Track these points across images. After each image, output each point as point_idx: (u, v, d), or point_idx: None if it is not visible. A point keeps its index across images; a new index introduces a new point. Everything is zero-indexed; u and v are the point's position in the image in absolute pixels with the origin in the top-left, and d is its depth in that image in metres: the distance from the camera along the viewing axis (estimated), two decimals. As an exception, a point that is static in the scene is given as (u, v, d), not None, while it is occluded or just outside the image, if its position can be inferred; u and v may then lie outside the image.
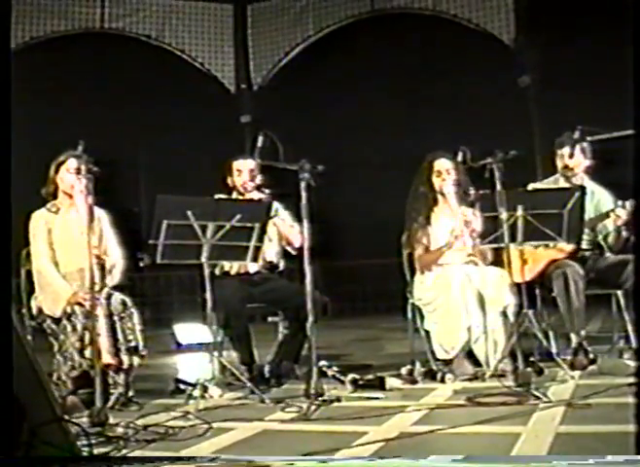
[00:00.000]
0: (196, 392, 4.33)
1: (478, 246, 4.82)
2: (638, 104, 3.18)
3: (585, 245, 5.03)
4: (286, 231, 5.22)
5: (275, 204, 5.08)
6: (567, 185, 5.12)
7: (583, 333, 4.79)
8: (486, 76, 11.22)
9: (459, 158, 4.64)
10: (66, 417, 2.88)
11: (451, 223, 4.89)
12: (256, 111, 12.71)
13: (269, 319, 5.33)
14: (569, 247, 4.94)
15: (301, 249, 4.54)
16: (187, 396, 4.37)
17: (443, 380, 4.58)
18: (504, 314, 4.71)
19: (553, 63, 10.75)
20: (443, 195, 4.98)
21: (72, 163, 4.56)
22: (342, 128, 11.93)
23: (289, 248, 5.26)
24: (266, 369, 5.03)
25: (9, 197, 2.59)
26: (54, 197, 4.71)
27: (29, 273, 4.63)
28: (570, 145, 4.99)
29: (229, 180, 5.27)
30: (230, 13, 13.37)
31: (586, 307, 4.84)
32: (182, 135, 11.87)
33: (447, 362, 4.73)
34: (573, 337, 4.80)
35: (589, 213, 4.89)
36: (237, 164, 5.25)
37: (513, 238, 4.46)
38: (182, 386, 4.68)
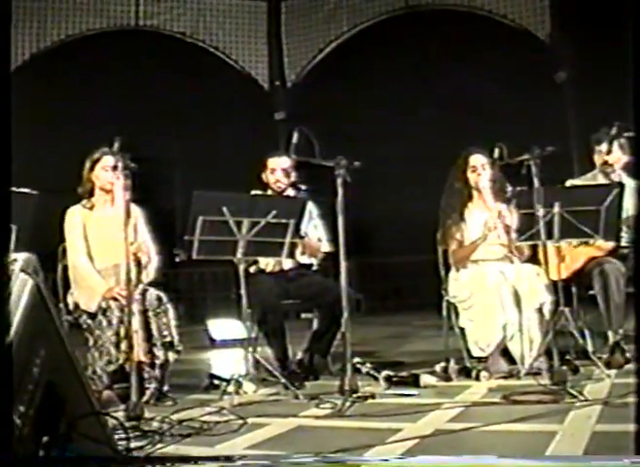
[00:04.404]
0: (231, 388, 4.35)
1: (513, 243, 4.79)
2: (638, 104, 3.14)
3: (624, 242, 4.96)
4: (313, 246, 5.24)
5: (309, 205, 5.08)
6: (605, 181, 5.06)
7: (621, 331, 4.74)
8: (522, 72, 11.13)
9: (495, 154, 4.61)
10: (104, 411, 2.91)
11: (485, 218, 4.87)
12: (290, 108, 12.74)
13: (303, 316, 5.34)
14: (608, 245, 4.86)
15: (335, 246, 4.53)
16: (221, 392, 4.40)
17: (477, 378, 4.56)
18: (540, 312, 4.67)
19: (589, 59, 10.64)
20: (478, 190, 4.97)
21: (108, 161, 4.59)
22: (376, 125, 11.91)
23: (312, 259, 5.28)
24: (296, 362, 5.06)
25: (9, 198, 2.60)
26: (91, 194, 4.75)
27: (65, 269, 4.68)
28: (608, 141, 4.94)
29: (263, 177, 5.28)
30: (263, 9, 13.40)
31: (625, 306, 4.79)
32: (216, 132, 11.91)
33: (482, 359, 4.70)
34: (610, 335, 4.74)
35: (628, 210, 4.83)
36: (272, 162, 5.25)
37: (549, 235, 4.42)
38: (216, 382, 4.70)
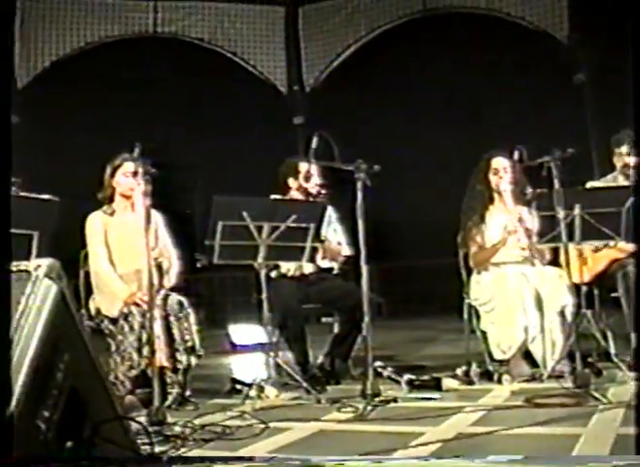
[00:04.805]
0: (253, 392, 4.36)
1: (534, 245, 4.78)
2: (638, 104, 3.12)
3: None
4: (333, 250, 5.24)
5: (329, 209, 5.09)
6: (626, 183, 5.02)
7: (645, 333, 4.71)
8: (541, 74, 11.10)
9: (515, 156, 4.61)
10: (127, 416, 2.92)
11: (506, 220, 4.85)
12: (308, 112, 12.76)
13: (323, 320, 5.34)
14: (631, 247, 4.84)
15: (356, 249, 4.53)
16: (243, 396, 4.40)
17: (499, 381, 4.54)
18: (562, 315, 4.64)
19: (608, 60, 10.59)
20: (499, 193, 4.96)
21: (129, 167, 4.62)
22: (395, 129, 11.90)
23: (333, 263, 5.28)
24: (318, 367, 5.06)
25: (9, 201, 2.62)
26: (111, 200, 4.77)
27: (87, 275, 4.70)
28: (628, 143, 4.92)
29: (290, 181, 5.28)
30: (281, 15, 13.43)
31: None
32: (235, 137, 11.95)
33: (504, 363, 4.68)
34: (633, 337, 4.71)
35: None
36: (297, 166, 5.24)
37: (570, 238, 4.40)
38: (238, 386, 4.71)
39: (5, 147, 2.51)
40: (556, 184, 4.34)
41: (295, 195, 5.25)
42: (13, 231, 3.39)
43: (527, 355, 4.71)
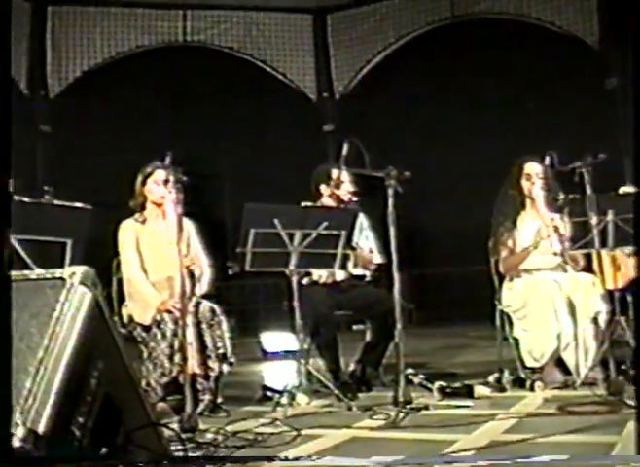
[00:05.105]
0: (284, 399, 4.35)
1: (567, 251, 4.74)
2: (638, 105, 3.08)
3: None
4: (365, 258, 5.24)
5: (360, 216, 5.09)
6: (660, 188, 4.98)
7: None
8: (572, 79, 11.03)
9: (547, 162, 4.58)
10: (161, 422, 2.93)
11: (538, 226, 4.83)
12: (338, 120, 12.76)
13: (354, 327, 5.32)
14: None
15: (387, 257, 4.53)
16: (274, 403, 4.40)
17: (532, 389, 4.51)
18: (595, 321, 4.60)
19: (640, 64, 10.48)
20: (531, 198, 4.93)
21: (160, 175, 4.64)
22: (425, 135, 11.87)
23: (365, 270, 5.27)
24: (349, 374, 5.05)
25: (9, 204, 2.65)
26: (143, 208, 4.80)
27: (120, 282, 4.73)
28: (661, 147, 4.87)
29: (322, 188, 5.28)
30: (309, 22, 13.47)
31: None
32: (265, 145, 12.00)
33: (537, 370, 4.65)
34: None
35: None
36: (328, 173, 5.24)
37: (603, 244, 4.36)
38: (269, 393, 4.71)
39: (4, 147, 2.54)
40: (588, 190, 4.32)
41: (326, 202, 5.25)
42: (46, 238, 3.44)
43: (560, 362, 4.67)
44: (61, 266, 3.22)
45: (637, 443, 2.49)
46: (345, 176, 5.16)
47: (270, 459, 2.96)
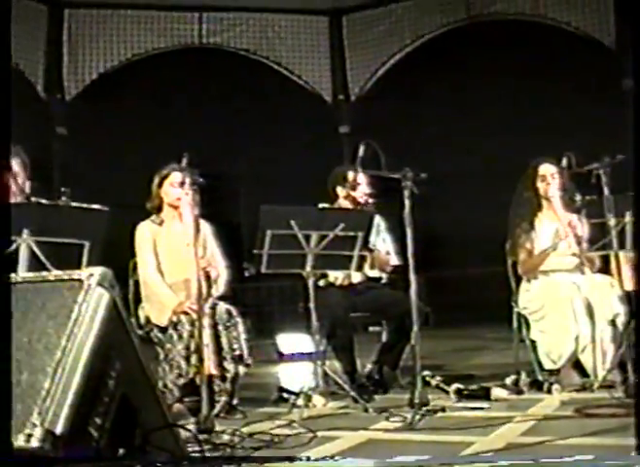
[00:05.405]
0: (300, 401, 4.34)
1: (584, 253, 4.72)
2: (638, 105, 3.06)
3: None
4: (382, 260, 5.23)
5: (377, 218, 5.08)
6: (678, 189, 4.94)
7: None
8: (588, 80, 10.98)
9: (564, 163, 4.56)
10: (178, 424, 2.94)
11: (556, 227, 4.81)
12: (354, 121, 12.76)
13: (370, 329, 5.31)
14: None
15: (404, 259, 4.52)
16: (290, 405, 4.39)
17: (549, 391, 4.48)
18: (613, 324, 4.57)
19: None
20: (547, 200, 4.91)
21: (176, 177, 4.64)
22: (441, 137, 11.85)
23: (381, 272, 5.27)
24: (365, 376, 5.04)
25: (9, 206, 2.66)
26: (159, 210, 4.80)
27: (137, 284, 4.74)
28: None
29: (338, 190, 5.27)
30: (325, 24, 13.48)
31: None
32: (281, 147, 12.01)
33: (554, 372, 4.63)
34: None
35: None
36: (345, 175, 5.24)
37: (621, 245, 4.34)
38: (285, 395, 4.71)
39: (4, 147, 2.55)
40: (606, 191, 4.29)
41: (343, 203, 5.25)
42: (64, 240, 3.46)
43: (577, 365, 4.65)
44: (79, 267, 3.23)
45: (637, 443, 2.47)
46: (362, 178, 5.14)
47: (291, 459, 2.96)
